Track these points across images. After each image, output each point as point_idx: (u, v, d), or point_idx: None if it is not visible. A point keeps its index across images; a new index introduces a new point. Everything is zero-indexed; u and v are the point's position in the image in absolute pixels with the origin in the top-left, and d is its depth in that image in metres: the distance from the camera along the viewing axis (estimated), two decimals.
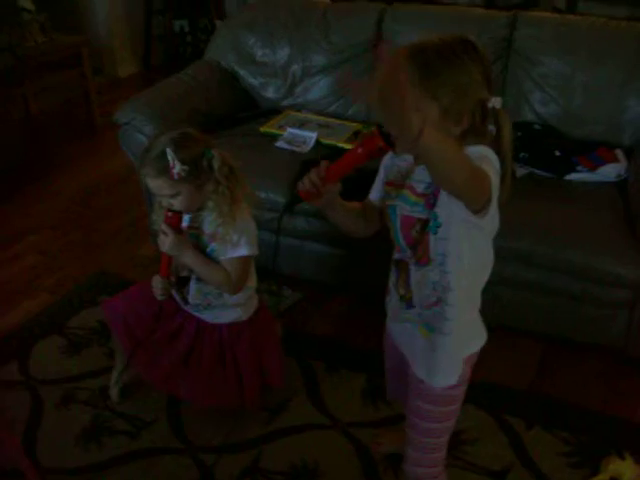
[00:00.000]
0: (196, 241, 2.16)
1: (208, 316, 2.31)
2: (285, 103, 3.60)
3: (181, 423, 2.47)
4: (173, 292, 2.29)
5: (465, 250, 1.55)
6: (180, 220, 2.09)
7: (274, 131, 3.28)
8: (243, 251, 2.12)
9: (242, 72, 3.66)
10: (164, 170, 1.98)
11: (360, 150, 1.49)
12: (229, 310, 2.29)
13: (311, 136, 3.20)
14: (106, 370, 2.67)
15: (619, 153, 2.99)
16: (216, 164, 2.05)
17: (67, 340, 2.88)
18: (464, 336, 1.68)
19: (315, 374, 2.68)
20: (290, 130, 3.24)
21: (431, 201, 1.51)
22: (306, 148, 3.15)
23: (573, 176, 2.92)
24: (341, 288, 3.17)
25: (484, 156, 1.42)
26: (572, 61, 3.14)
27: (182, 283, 2.27)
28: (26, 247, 3.59)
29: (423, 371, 1.72)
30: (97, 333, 2.88)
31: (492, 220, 1.49)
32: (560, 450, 2.36)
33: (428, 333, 1.67)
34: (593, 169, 2.91)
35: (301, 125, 3.33)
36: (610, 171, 2.91)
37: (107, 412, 2.52)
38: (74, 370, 2.72)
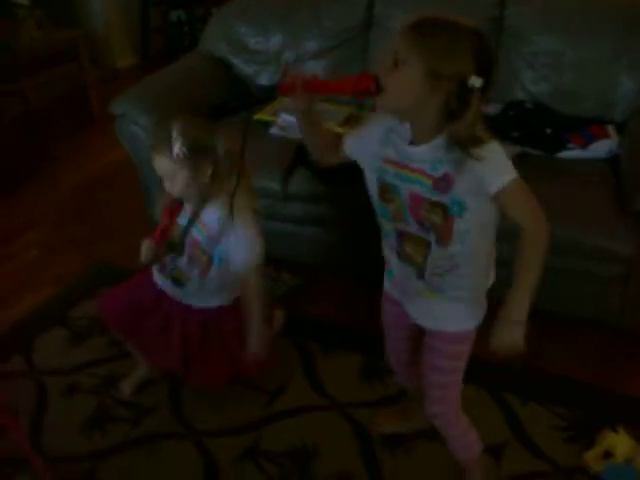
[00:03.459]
0: (201, 251, 2.21)
1: (196, 301, 2.33)
2: None
3: (182, 409, 2.52)
4: (160, 277, 2.36)
5: (485, 219, 1.67)
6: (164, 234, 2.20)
7: (268, 118, 3.29)
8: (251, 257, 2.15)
9: (235, 60, 3.68)
10: (167, 148, 2.03)
11: (351, 81, 1.58)
12: (215, 296, 2.32)
13: None
14: (109, 359, 2.75)
15: (610, 129, 3.00)
16: (220, 150, 2.08)
17: (70, 331, 2.92)
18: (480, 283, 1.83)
19: (312, 356, 2.72)
20: (283, 116, 3.26)
21: (442, 185, 1.58)
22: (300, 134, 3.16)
23: (565, 153, 2.93)
24: (337, 270, 3.21)
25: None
26: (562, 38, 3.14)
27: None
28: (28, 241, 3.64)
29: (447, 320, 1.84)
30: (99, 323, 2.91)
31: None
32: (555, 425, 2.39)
33: (436, 295, 1.78)
34: (584, 146, 2.92)
35: None
36: (602, 147, 2.92)
37: (109, 400, 2.57)
38: (78, 360, 2.76)
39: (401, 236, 1.75)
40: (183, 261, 2.26)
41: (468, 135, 1.51)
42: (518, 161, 1.61)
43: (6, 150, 4.60)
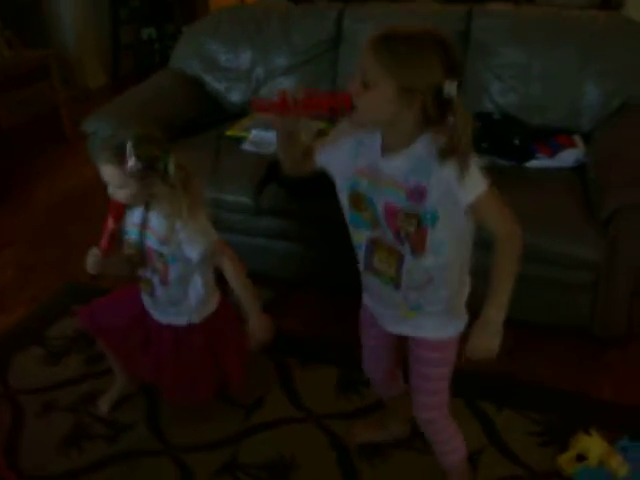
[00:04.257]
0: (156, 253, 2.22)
1: (165, 316, 2.35)
2: None
3: (159, 425, 2.51)
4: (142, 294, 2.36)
5: (460, 232, 1.67)
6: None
7: (239, 134, 3.31)
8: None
9: (207, 78, 3.71)
10: (119, 160, 2.03)
11: (328, 98, 1.62)
12: (183, 311, 2.31)
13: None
14: (85, 377, 2.74)
15: (577, 138, 3.06)
16: (171, 168, 2.09)
17: (46, 350, 2.91)
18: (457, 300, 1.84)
19: (289, 369, 2.73)
20: (255, 132, 3.28)
21: (416, 195, 1.58)
22: (272, 149, 3.18)
23: (533, 163, 2.99)
24: (309, 283, 3.24)
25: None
26: (528, 50, 3.21)
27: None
28: (3, 261, 3.62)
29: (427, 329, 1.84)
30: (75, 341, 2.92)
31: None
32: (530, 430, 2.42)
33: (414, 313, 1.79)
34: (552, 155, 2.98)
35: (267, 126, 3.36)
36: (568, 156, 2.97)
37: (87, 417, 2.56)
38: (54, 379, 2.75)
39: (372, 246, 1.75)
40: (147, 271, 2.27)
41: (450, 143, 1.53)
42: (487, 172, 1.63)
43: None
